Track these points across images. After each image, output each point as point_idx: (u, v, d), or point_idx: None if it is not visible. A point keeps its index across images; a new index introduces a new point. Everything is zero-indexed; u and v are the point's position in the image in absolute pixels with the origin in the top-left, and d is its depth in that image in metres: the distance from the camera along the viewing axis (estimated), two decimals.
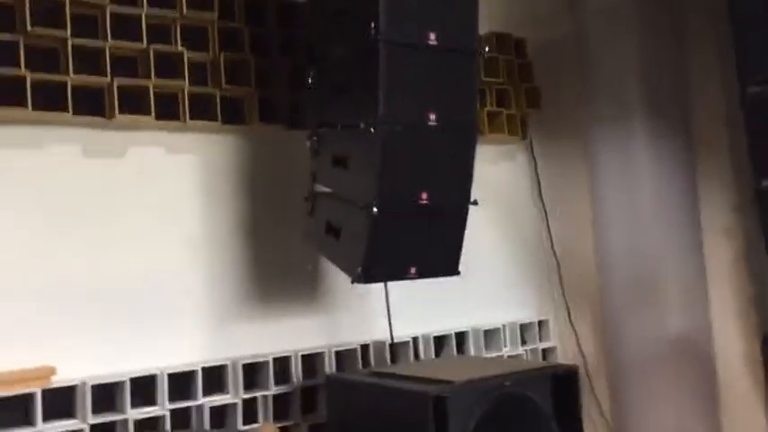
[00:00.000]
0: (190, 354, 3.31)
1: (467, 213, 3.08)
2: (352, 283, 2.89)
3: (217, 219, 3.47)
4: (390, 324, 3.58)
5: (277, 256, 3.57)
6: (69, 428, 2.92)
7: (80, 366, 3.00)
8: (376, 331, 3.81)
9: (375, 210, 2.74)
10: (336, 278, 3.54)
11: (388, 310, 3.52)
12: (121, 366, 3.10)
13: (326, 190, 3.18)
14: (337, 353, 3.62)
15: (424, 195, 2.90)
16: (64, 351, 2.98)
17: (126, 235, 3.23)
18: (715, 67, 4.32)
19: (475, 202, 3.07)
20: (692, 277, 4.33)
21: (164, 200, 3.35)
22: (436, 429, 2.57)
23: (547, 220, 4.67)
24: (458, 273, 3.11)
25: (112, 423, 3.03)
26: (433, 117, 2.87)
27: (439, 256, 3.08)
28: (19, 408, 2.84)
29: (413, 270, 2.99)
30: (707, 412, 4.25)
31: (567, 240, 4.63)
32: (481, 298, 4.21)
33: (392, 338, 3.65)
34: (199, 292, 3.40)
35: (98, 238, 3.15)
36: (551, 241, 4.64)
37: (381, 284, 3.49)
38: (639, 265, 4.33)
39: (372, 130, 2.73)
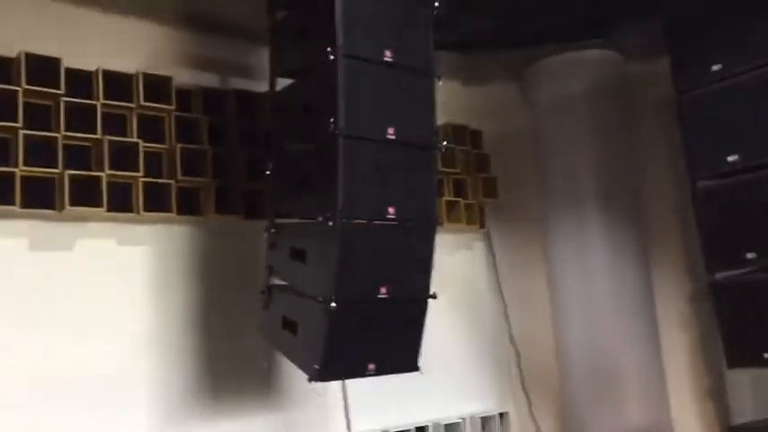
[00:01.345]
0: None
1: (426, 307, 3.03)
2: (309, 381, 2.78)
3: (168, 312, 3.35)
4: (348, 421, 3.45)
5: (231, 350, 3.45)
6: None
7: None
8: (334, 428, 3.67)
9: (333, 305, 2.67)
10: (292, 374, 3.42)
11: (346, 407, 3.42)
12: None
13: (283, 283, 3.11)
14: None
15: (384, 289, 2.85)
16: None
17: (72, 331, 3.08)
18: (666, 161, 4.45)
19: (434, 296, 3.02)
20: (650, 369, 4.33)
21: (112, 293, 3.23)
22: None
23: (506, 310, 4.64)
24: (418, 369, 3.03)
25: None
26: (392, 211, 2.85)
27: (398, 352, 3.00)
28: None
29: (371, 367, 2.89)
30: None
31: (526, 331, 4.61)
32: (441, 390, 4.12)
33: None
34: (147, 390, 3.24)
35: (43, 334, 3.00)
36: (510, 332, 4.61)
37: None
38: (597, 356, 4.33)
39: (331, 223, 2.70)
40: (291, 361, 2.95)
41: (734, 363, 3.24)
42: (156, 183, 3.33)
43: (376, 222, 2.81)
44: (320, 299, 2.73)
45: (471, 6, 4.01)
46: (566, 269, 4.46)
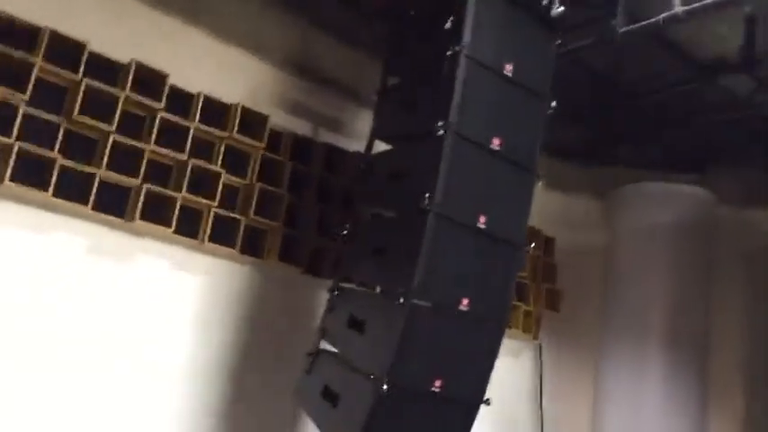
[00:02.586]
0: None
1: (477, 411, 2.82)
2: None
3: (209, 348, 3.22)
4: None
5: (259, 408, 3.27)
6: None
7: None
8: None
9: (385, 387, 2.49)
10: None
11: None
12: None
13: (333, 350, 2.94)
14: None
15: (438, 382, 2.66)
16: None
17: (108, 343, 2.95)
18: (740, 314, 4.23)
19: (488, 402, 2.82)
20: None
21: (158, 316, 3.11)
22: None
23: (542, 427, 4.37)
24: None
25: None
26: (465, 302, 2.69)
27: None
28: None
29: None
30: None
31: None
32: None
33: None
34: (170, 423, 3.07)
35: (80, 337, 2.88)
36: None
37: None
38: None
39: (402, 300, 2.55)
40: None
41: None
42: (228, 216, 3.25)
43: (447, 310, 2.66)
44: (372, 376, 2.56)
45: (571, 114, 3.94)
46: (614, 402, 4.20)
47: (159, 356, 3.07)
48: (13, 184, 2.69)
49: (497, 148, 2.77)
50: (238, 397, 3.24)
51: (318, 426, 2.82)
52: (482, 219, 2.73)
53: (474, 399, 2.77)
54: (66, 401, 2.83)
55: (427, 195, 2.58)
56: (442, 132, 2.63)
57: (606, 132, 4.43)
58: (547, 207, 4.56)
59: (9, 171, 2.67)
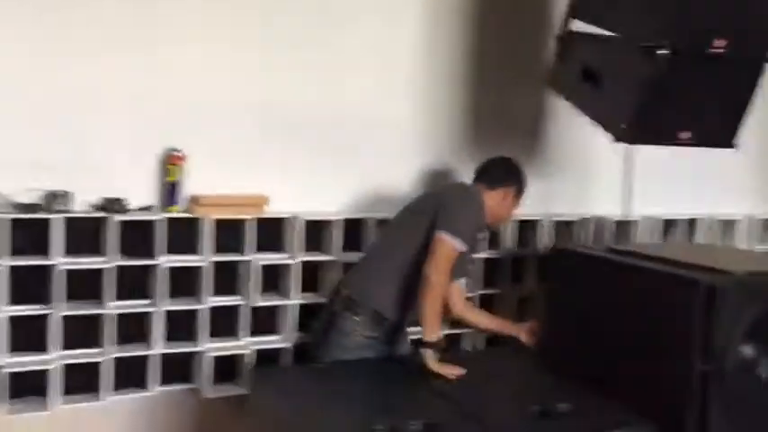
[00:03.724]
0: None
1: (762, 73, 2.48)
2: (614, 141, 2.41)
3: (440, 55, 3.05)
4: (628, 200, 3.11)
5: (502, 103, 3.14)
6: (279, 261, 2.74)
7: (289, 198, 2.78)
8: (596, 206, 3.36)
9: (665, 51, 2.20)
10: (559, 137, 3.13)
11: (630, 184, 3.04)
12: (330, 205, 2.87)
13: (585, 28, 2.64)
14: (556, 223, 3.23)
15: (721, 42, 2.32)
16: (275, 182, 2.75)
17: (344, 64, 2.88)
18: None
19: None
20: None
21: (385, 30, 2.95)
22: (705, 324, 2.12)
23: None
24: (734, 146, 2.56)
25: (321, 262, 2.83)
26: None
27: (716, 123, 2.53)
28: (232, 232, 2.67)
29: (685, 135, 2.46)
30: None
31: None
32: (718, 184, 3.60)
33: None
34: (418, 139, 3.05)
35: (315, 64, 2.83)
36: None
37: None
38: None
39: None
40: (591, 118, 2.56)
41: None
42: None
43: None
44: (643, 44, 2.27)
45: None
46: None
47: (392, 71, 2.96)
48: None
49: None
50: (476, 100, 3.10)
51: (583, 111, 2.62)
52: None
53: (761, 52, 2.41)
54: None
55: None
56: None
57: None
58: None
59: None
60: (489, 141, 3.07)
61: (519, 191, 2.66)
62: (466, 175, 2.86)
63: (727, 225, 3.61)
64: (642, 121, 2.38)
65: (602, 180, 3.37)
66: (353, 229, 2.85)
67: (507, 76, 3.13)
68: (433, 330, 2.31)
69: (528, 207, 2.98)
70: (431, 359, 2.28)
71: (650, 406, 2.10)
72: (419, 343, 2.34)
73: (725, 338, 2.07)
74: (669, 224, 3.48)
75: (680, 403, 2.07)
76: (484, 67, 3.11)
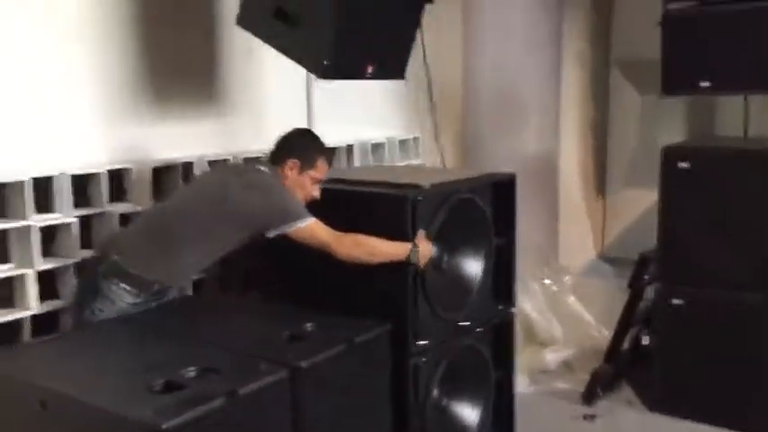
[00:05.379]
0: (88, 155, 2.79)
1: (421, 13, 2.90)
2: (318, 78, 2.60)
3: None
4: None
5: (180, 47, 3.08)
6: None
7: None
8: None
9: None
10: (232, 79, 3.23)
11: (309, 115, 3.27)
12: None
13: None
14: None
15: None
16: None
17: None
18: None
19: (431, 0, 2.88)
20: (548, 100, 4.60)
21: None
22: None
23: (422, 37, 4.55)
24: (404, 77, 2.96)
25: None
26: None
27: (389, 57, 2.89)
28: None
29: (370, 69, 2.77)
30: (549, 224, 4.71)
31: (438, 61, 4.59)
32: (363, 114, 4.08)
33: None
34: (90, 84, 2.82)
35: None
36: (425, 61, 4.56)
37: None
38: (503, 84, 4.47)
39: None
40: (289, 57, 2.68)
41: (669, 90, 3.53)
42: None
43: None
44: None
45: None
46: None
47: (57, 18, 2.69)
48: None
49: None
50: (153, 43, 2.99)
51: (280, 50, 2.71)
52: None
53: None
54: None
55: None
56: None
57: None
58: None
59: None
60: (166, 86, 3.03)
61: (304, 159, 2.53)
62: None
63: (375, 147, 4.11)
64: (340, 58, 2.59)
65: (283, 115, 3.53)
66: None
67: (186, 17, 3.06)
68: (396, 252, 2.43)
69: (212, 146, 3.02)
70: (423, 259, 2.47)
71: (377, 308, 2.43)
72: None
73: None
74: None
75: (400, 296, 2.50)
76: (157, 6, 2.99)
